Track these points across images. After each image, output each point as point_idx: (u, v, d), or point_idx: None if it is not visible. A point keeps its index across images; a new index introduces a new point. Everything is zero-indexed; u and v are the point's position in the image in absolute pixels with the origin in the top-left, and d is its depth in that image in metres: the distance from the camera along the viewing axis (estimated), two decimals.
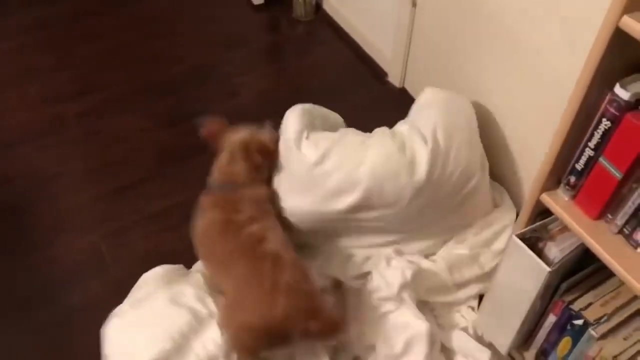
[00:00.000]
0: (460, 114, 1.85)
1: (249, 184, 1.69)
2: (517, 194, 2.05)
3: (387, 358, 1.60)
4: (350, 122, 1.96)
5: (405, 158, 1.70)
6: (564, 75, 1.66)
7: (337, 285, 1.74)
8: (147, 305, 1.61)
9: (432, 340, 1.60)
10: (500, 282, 1.57)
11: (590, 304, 1.42)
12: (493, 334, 1.68)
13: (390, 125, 1.85)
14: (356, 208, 1.72)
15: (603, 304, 1.42)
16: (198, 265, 1.80)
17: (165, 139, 2.33)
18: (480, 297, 1.78)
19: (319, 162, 1.70)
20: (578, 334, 1.42)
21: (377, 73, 2.66)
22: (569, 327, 1.44)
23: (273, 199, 1.78)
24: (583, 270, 1.46)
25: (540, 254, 1.41)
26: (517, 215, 1.91)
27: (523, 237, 1.42)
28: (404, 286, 1.67)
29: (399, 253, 1.80)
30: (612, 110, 1.14)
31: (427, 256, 1.83)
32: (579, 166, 1.26)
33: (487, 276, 1.79)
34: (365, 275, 1.79)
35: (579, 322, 1.41)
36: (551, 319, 1.51)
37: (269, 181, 1.80)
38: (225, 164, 1.71)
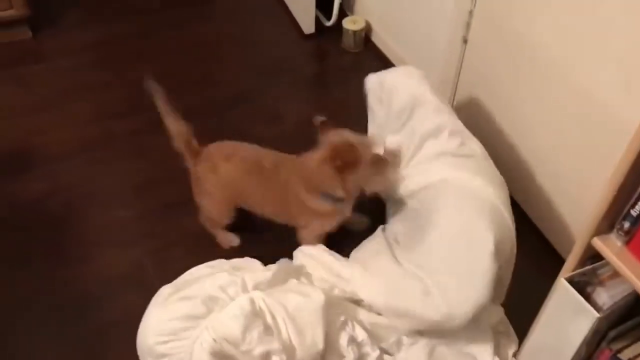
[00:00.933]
0: None
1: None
2: (561, 237, 2.02)
3: None
4: None
5: None
6: (616, 115, 1.65)
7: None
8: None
9: None
10: (543, 326, 1.53)
11: (639, 355, 1.37)
12: None
13: None
14: None
15: None
16: None
17: None
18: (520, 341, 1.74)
19: None
20: None
21: None
22: None
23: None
24: (633, 318, 1.42)
25: (588, 298, 1.38)
26: None
27: (571, 281, 1.40)
28: None
29: None
30: None
31: None
32: (635, 212, 1.23)
33: None
34: None
35: None
36: None
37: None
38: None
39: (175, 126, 1.88)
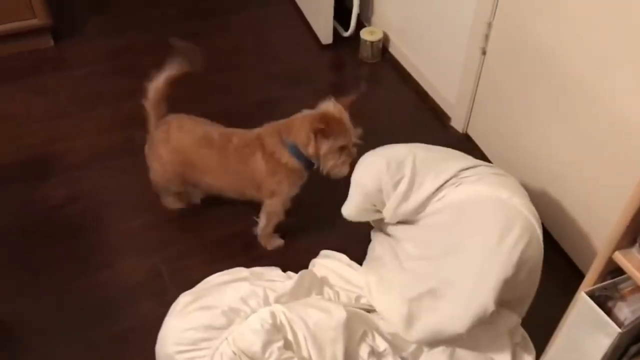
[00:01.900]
0: None
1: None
2: (580, 251, 2.00)
3: None
4: None
5: None
6: (638, 129, 1.64)
7: None
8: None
9: None
10: (562, 341, 1.51)
11: None
12: None
13: None
14: None
15: None
16: None
17: None
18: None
19: None
20: None
21: (440, 117, 2.67)
22: None
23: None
24: None
25: (609, 313, 1.37)
26: None
27: (592, 295, 1.38)
28: None
29: None
30: None
31: None
32: None
33: None
34: None
35: None
36: None
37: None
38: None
39: (158, 82, 1.95)
